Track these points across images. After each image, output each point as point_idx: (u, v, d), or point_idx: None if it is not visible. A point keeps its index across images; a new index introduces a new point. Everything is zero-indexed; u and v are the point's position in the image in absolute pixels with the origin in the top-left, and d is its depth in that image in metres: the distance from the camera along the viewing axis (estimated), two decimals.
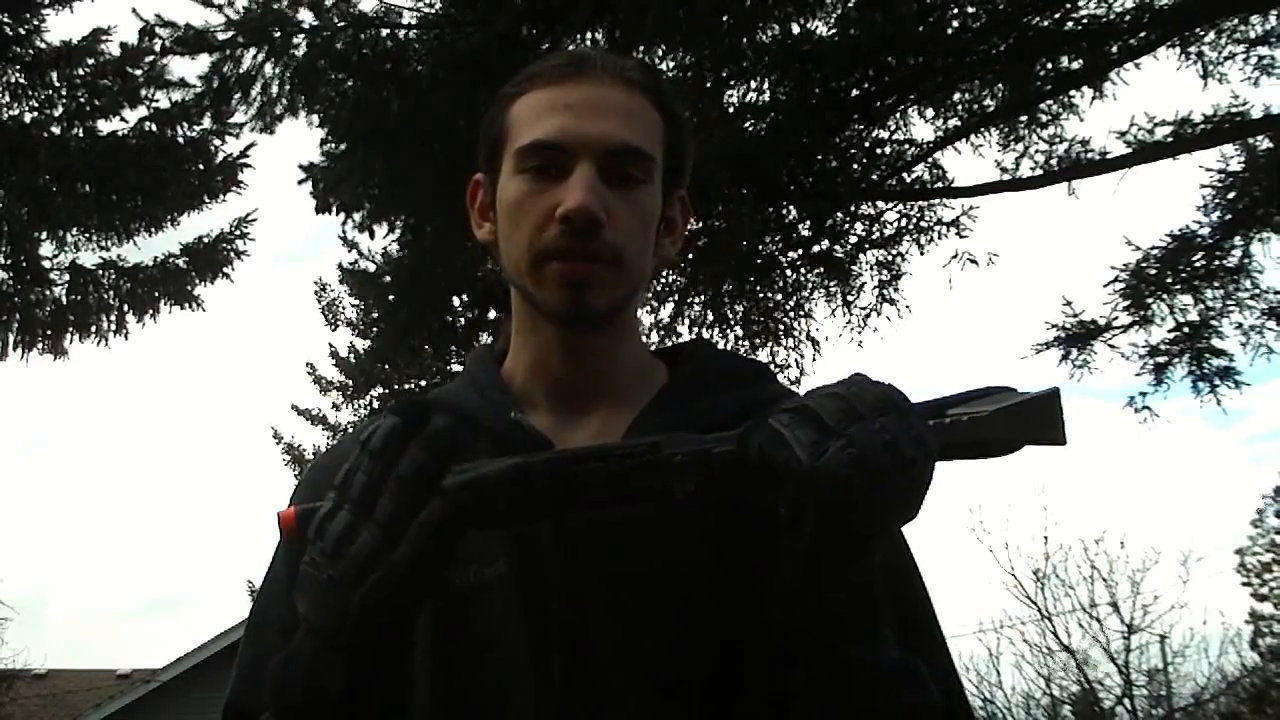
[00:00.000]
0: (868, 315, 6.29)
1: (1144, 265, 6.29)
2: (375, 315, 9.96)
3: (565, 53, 1.04)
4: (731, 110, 5.74)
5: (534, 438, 0.94)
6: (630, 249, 0.95)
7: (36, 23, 7.38)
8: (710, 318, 6.19)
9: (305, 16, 5.85)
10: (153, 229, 7.83)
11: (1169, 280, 6.25)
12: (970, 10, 5.59)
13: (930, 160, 6.08)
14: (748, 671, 0.88)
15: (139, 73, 7.08)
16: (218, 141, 7.55)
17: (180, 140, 7.46)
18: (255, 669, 0.95)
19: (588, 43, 5.59)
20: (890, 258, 6.20)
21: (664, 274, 5.86)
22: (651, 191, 0.97)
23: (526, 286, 0.96)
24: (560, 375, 0.99)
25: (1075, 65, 5.82)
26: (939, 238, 6.09)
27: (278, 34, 5.78)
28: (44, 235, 7.74)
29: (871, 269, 6.26)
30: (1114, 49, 5.72)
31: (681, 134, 1.02)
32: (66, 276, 7.86)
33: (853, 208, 6.07)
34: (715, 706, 0.87)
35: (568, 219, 0.91)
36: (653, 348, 1.09)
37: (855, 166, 5.96)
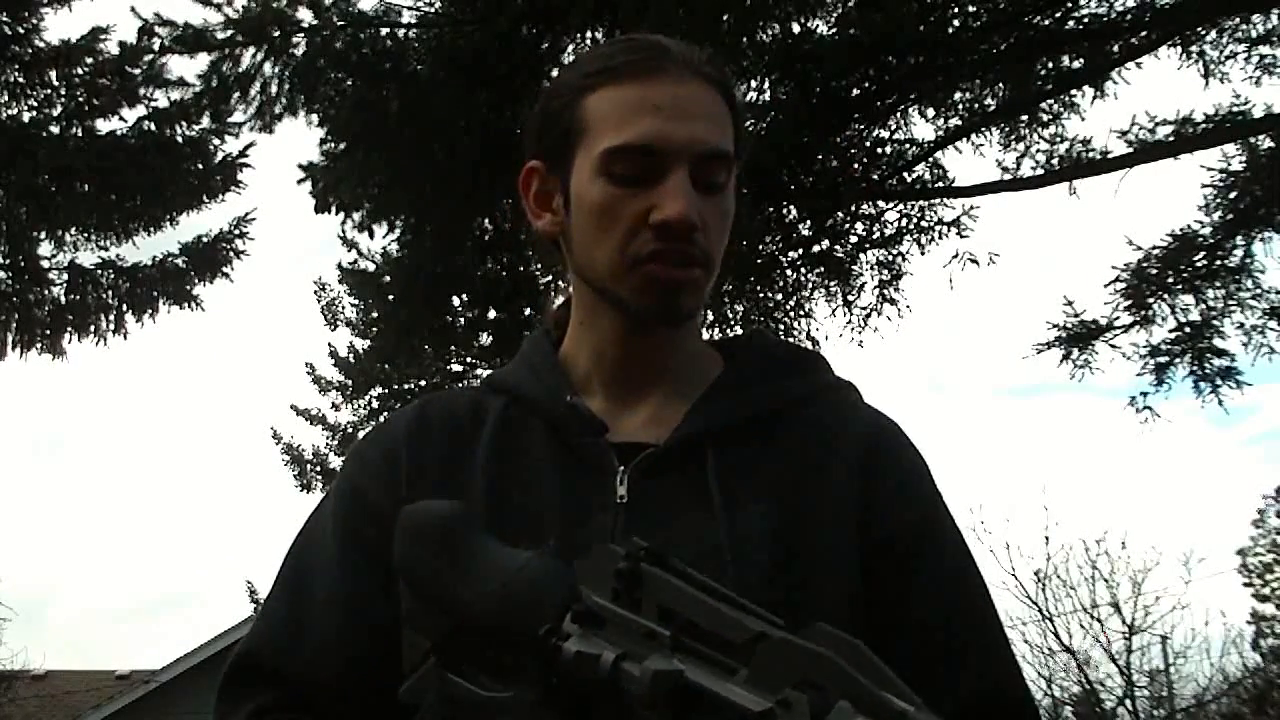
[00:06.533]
0: (868, 315, 6.29)
1: (1145, 265, 6.28)
2: (375, 315, 9.96)
3: (639, 42, 1.00)
4: None
5: (589, 420, 0.98)
6: (717, 252, 0.98)
7: (35, 21, 7.35)
8: (710, 317, 6.17)
9: (305, 15, 5.84)
10: (152, 228, 7.80)
11: (1170, 280, 6.25)
12: (971, 9, 5.58)
13: (931, 160, 6.06)
14: None
15: (138, 72, 7.06)
16: (217, 141, 7.52)
17: (179, 140, 7.44)
18: (290, 627, 0.95)
19: (588, 43, 5.58)
20: (891, 257, 6.19)
21: None
22: (731, 193, 1.00)
23: (611, 287, 0.98)
24: (623, 364, 1.02)
25: (1076, 64, 5.81)
26: (940, 237, 6.08)
27: (277, 33, 5.78)
28: (43, 235, 7.72)
29: (872, 269, 6.25)
30: (1115, 48, 5.71)
31: (742, 125, 1.03)
32: (65, 276, 7.84)
33: (853, 207, 6.05)
34: None
35: (668, 227, 0.92)
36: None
37: (855, 166, 5.95)
